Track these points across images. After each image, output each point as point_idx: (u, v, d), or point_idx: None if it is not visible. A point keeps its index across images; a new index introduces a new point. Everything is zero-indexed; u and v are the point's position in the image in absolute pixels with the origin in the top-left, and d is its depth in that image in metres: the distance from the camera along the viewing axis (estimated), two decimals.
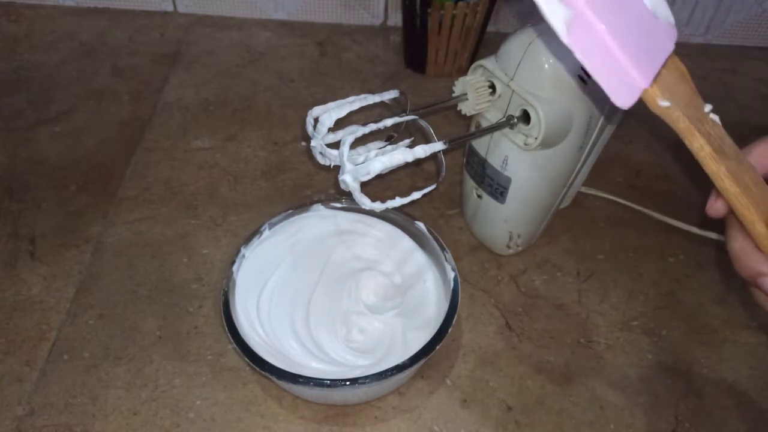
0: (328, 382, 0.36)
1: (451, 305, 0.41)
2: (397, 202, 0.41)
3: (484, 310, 0.48)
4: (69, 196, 0.55)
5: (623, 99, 0.24)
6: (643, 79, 0.24)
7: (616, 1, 0.23)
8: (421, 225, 0.46)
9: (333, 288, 0.44)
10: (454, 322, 0.39)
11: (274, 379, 0.39)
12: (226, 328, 0.39)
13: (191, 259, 0.51)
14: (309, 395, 0.41)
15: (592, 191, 0.57)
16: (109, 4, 0.77)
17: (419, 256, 0.46)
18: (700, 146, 0.25)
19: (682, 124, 0.25)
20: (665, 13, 0.25)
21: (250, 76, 0.69)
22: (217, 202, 0.55)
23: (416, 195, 0.41)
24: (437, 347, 0.38)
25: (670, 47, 0.26)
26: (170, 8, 0.77)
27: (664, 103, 0.25)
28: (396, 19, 0.76)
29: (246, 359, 0.38)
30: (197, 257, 0.51)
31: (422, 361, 0.38)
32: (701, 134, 0.25)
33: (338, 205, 0.48)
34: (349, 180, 0.38)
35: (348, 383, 0.36)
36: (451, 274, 0.42)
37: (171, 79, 0.68)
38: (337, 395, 0.40)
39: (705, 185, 0.33)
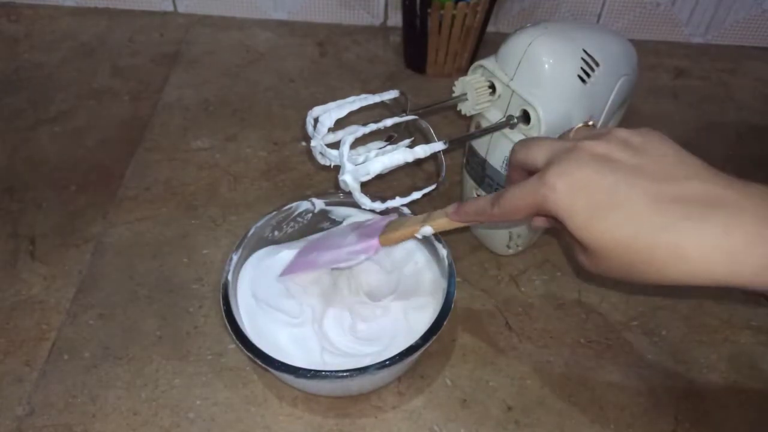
0: (347, 373, 0.36)
1: (449, 281, 0.41)
2: (397, 202, 0.41)
3: (484, 310, 0.48)
4: (69, 196, 0.55)
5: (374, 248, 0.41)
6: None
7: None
8: (405, 209, 0.45)
9: (332, 280, 0.45)
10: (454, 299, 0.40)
11: (286, 376, 0.39)
12: (229, 327, 0.39)
13: (191, 259, 0.51)
14: (327, 389, 0.41)
15: None
16: (109, 4, 0.77)
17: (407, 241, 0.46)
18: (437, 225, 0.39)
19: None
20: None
21: (250, 76, 0.69)
22: (217, 202, 0.55)
23: (416, 195, 0.41)
24: (444, 322, 0.39)
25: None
26: (170, 8, 0.77)
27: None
28: (396, 19, 0.76)
29: (253, 358, 0.37)
30: (197, 257, 0.51)
31: (433, 339, 0.38)
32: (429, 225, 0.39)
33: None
34: (349, 180, 0.38)
35: (366, 370, 0.37)
36: (444, 252, 0.43)
37: (171, 79, 0.68)
38: (354, 385, 0.40)
39: None
